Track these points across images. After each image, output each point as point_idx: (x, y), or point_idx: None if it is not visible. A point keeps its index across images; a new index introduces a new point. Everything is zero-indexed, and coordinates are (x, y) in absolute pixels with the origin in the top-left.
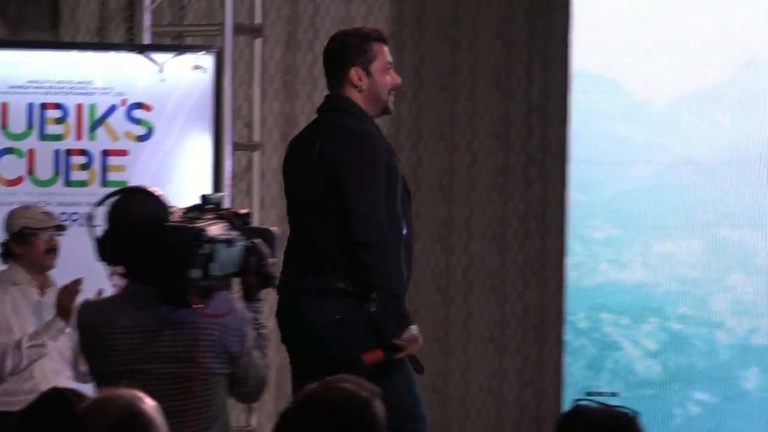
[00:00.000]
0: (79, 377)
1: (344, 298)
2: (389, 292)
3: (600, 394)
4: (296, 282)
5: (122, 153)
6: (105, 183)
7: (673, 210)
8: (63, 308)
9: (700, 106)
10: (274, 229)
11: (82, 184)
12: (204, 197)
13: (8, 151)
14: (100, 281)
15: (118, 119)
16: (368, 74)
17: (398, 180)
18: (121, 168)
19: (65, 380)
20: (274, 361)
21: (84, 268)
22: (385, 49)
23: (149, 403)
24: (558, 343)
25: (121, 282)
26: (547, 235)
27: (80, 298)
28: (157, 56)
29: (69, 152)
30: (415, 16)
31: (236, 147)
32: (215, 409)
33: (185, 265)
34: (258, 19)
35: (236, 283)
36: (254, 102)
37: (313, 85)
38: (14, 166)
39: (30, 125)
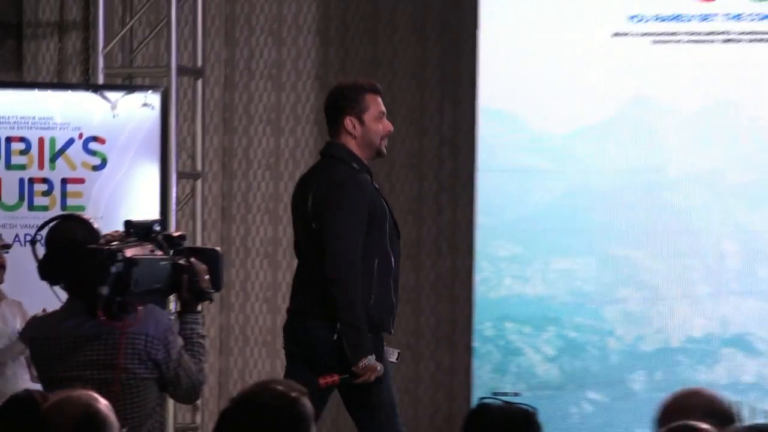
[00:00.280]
0: (34, 379)
1: (334, 322)
2: (351, 324)
3: (505, 394)
4: (300, 307)
5: (79, 181)
6: (64, 207)
7: (569, 231)
8: None
9: (593, 138)
10: (218, 248)
11: (44, 208)
12: (126, 222)
13: None
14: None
15: (75, 151)
16: (362, 123)
17: (386, 219)
18: (78, 194)
19: (23, 383)
20: (216, 366)
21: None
22: (379, 99)
23: (104, 403)
24: (467, 350)
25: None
26: (457, 254)
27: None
28: (110, 95)
29: (32, 180)
30: (340, 60)
31: (180, 176)
32: (146, 410)
33: (98, 282)
34: (199, 62)
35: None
36: (196, 136)
37: (249, 121)
38: None
39: None
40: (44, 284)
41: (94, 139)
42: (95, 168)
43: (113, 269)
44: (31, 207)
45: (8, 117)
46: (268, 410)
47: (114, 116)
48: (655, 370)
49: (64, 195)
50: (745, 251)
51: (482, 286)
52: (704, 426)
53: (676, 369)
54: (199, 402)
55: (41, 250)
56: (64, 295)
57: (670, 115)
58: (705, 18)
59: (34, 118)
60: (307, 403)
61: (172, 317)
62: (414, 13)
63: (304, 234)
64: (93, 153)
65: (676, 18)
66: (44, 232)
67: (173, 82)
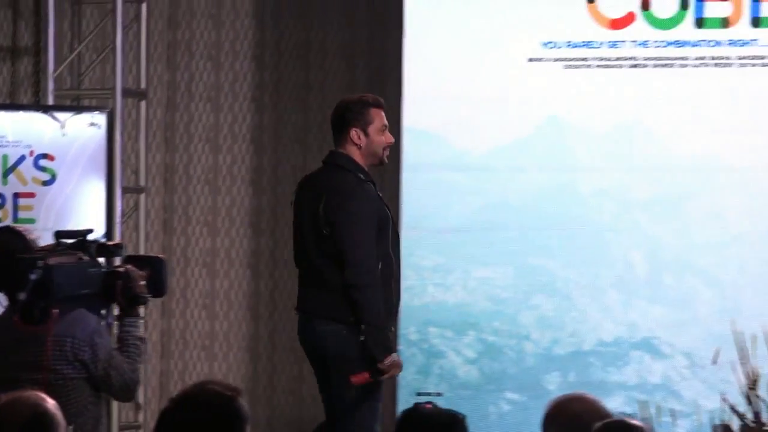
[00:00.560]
0: None
1: (342, 323)
2: (375, 325)
3: (428, 394)
4: (307, 308)
5: (31, 195)
6: (16, 220)
7: (488, 242)
8: None
9: (510, 156)
10: (162, 256)
11: None
12: (56, 233)
13: None
14: None
15: (27, 167)
16: (366, 134)
17: (389, 225)
18: (29, 208)
19: None
20: (158, 368)
21: None
22: (382, 113)
23: (51, 403)
24: None
25: None
26: None
27: None
28: (59, 115)
29: None
30: (274, 84)
31: (125, 190)
32: (76, 407)
33: (18, 289)
34: (143, 85)
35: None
36: (140, 153)
37: (189, 140)
38: None
39: None
40: None
41: (44, 156)
42: (45, 183)
43: (33, 276)
44: None
45: None
46: (204, 409)
47: (63, 135)
48: (568, 371)
49: (16, 208)
50: (651, 261)
51: (407, 293)
52: (637, 423)
53: (588, 370)
54: (141, 401)
55: None
56: None
57: (581, 135)
58: (614, 45)
59: None
60: (243, 403)
61: (111, 321)
62: (343, 40)
63: (313, 239)
64: (43, 169)
65: (587, 44)
66: None
67: (118, 103)
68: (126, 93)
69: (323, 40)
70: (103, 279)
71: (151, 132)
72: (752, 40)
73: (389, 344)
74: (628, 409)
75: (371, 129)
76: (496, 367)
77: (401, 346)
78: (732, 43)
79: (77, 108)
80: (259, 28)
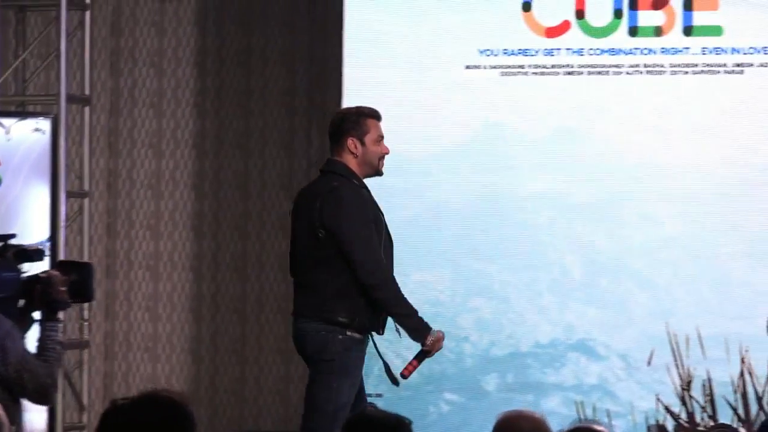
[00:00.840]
0: None
1: (324, 322)
2: (404, 314)
3: (369, 395)
4: (295, 308)
5: None
6: None
7: (427, 246)
8: None
9: (448, 160)
10: (90, 262)
11: None
12: None
13: None
14: None
15: None
16: (362, 144)
17: (382, 230)
18: None
19: None
20: (102, 369)
21: None
22: (379, 124)
23: None
24: None
25: None
26: None
27: None
28: (4, 120)
29: None
30: (216, 90)
31: (69, 195)
32: None
33: None
34: (87, 91)
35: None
36: (84, 158)
37: (132, 145)
38: None
39: None
40: None
41: None
42: None
43: None
44: None
45: None
46: (155, 411)
47: (8, 140)
48: (506, 372)
49: None
50: (587, 264)
51: None
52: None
53: (525, 372)
54: (85, 402)
55: None
56: None
57: (518, 140)
58: (549, 52)
59: None
60: (191, 410)
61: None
62: (284, 47)
63: (306, 243)
64: None
65: (523, 52)
66: None
67: (63, 109)
68: (70, 99)
69: (264, 47)
70: (24, 284)
71: (95, 137)
72: (684, 48)
73: (424, 325)
74: (564, 410)
75: (367, 139)
76: (436, 368)
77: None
78: (665, 51)
79: (22, 114)
80: (201, 35)
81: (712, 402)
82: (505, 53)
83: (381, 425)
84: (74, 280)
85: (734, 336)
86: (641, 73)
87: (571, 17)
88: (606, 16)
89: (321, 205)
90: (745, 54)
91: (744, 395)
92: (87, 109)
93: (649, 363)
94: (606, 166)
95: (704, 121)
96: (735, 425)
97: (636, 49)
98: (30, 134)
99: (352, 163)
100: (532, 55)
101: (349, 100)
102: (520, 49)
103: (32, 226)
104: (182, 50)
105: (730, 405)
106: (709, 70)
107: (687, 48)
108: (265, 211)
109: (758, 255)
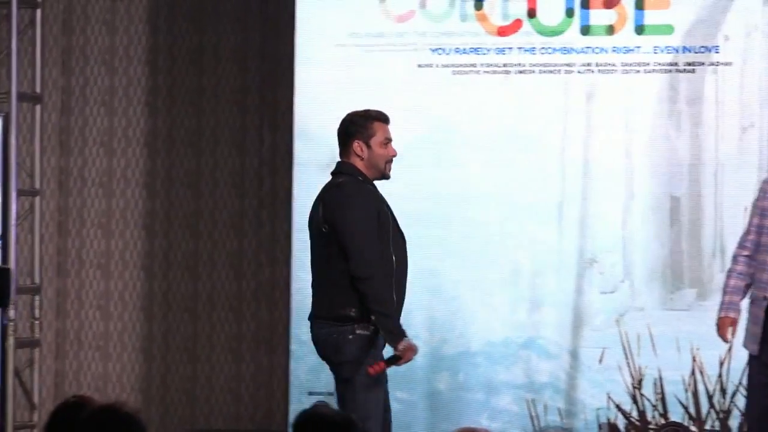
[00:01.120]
0: None
1: (336, 322)
2: (383, 314)
3: (320, 393)
4: (312, 311)
5: None
6: None
7: None
8: None
9: (400, 159)
10: (8, 267)
11: None
12: None
13: None
14: None
15: None
16: (368, 147)
17: (389, 224)
18: None
19: None
20: (53, 368)
21: None
22: (386, 127)
23: None
24: (285, 353)
25: None
26: (276, 265)
27: None
28: None
29: None
30: (168, 88)
31: (20, 193)
32: None
33: None
34: (38, 89)
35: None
36: (35, 156)
37: (84, 143)
38: None
39: None
40: None
41: None
42: None
43: None
44: None
45: None
46: (105, 411)
47: None
48: (457, 371)
49: None
50: (537, 263)
51: (299, 294)
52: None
53: (476, 370)
54: (36, 401)
55: None
56: None
57: (470, 139)
58: (501, 51)
59: None
60: (141, 419)
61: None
62: (236, 45)
63: (317, 240)
64: None
65: (475, 51)
66: None
67: (14, 107)
68: (21, 97)
69: (216, 45)
70: None
71: (46, 135)
72: (636, 47)
73: (400, 330)
74: (515, 408)
75: (373, 141)
76: None
77: (293, 346)
78: (616, 50)
79: None
80: (153, 33)
81: (663, 400)
82: (457, 52)
83: (331, 423)
84: None
85: (685, 335)
86: (593, 71)
87: (523, 16)
88: (558, 15)
89: (325, 200)
90: (696, 53)
91: (695, 394)
92: (38, 107)
93: (600, 361)
94: (557, 165)
95: (656, 120)
96: (686, 423)
97: (588, 48)
98: None
99: (359, 165)
100: (484, 54)
101: (300, 99)
102: (472, 48)
103: None
104: (134, 48)
105: (681, 403)
106: (660, 69)
107: (638, 47)
108: (217, 209)
109: (708, 253)
